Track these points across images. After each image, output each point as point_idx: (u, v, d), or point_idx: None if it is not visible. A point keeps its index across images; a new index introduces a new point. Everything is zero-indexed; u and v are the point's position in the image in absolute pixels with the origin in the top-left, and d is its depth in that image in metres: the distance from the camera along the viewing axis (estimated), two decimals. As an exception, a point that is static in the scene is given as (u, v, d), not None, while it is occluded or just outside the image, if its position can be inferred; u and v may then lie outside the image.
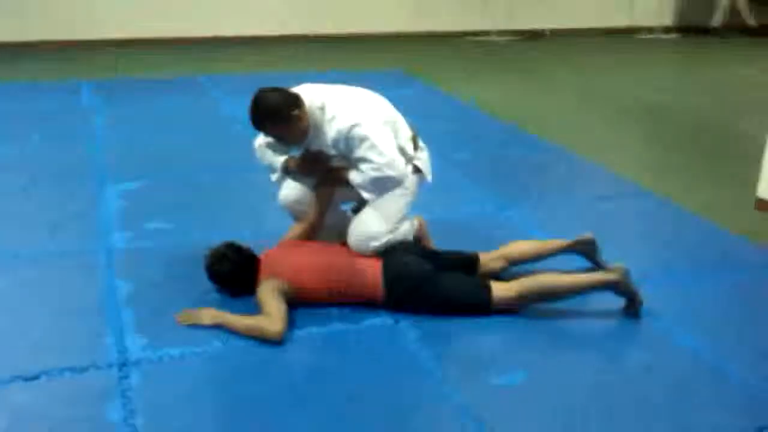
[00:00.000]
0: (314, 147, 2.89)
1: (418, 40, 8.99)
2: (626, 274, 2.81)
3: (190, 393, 2.35)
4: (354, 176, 2.84)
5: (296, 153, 3.01)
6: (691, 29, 10.23)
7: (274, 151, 3.00)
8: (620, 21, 10.01)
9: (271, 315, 2.63)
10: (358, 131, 2.74)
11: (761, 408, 2.35)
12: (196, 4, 8.25)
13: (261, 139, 3.03)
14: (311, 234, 3.03)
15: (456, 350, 2.64)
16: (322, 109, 2.81)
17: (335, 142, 2.79)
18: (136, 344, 2.57)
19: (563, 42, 9.32)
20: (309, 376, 2.47)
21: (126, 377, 2.40)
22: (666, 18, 10.22)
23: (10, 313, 2.78)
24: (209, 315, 2.71)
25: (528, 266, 3.08)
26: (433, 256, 2.94)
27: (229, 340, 2.61)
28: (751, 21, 10.42)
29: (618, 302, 2.84)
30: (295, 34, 8.66)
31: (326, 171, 2.95)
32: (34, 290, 2.95)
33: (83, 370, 2.43)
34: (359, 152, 2.76)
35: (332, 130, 2.78)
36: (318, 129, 2.83)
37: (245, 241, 2.99)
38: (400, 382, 2.45)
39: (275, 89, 2.81)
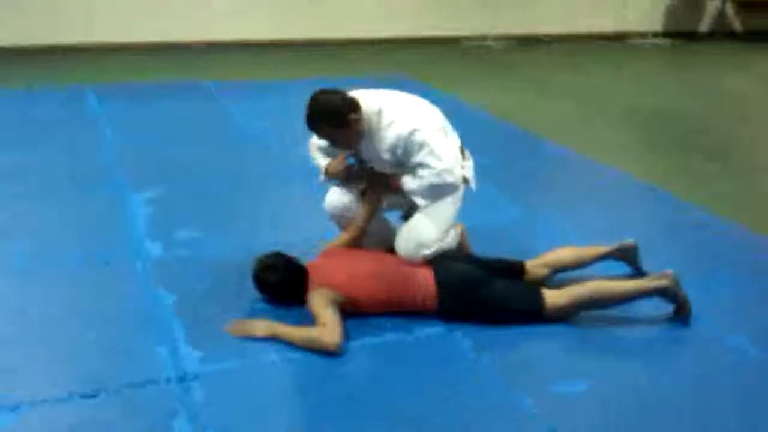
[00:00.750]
0: (368, 152, 2.86)
1: (416, 45, 8.98)
2: (676, 279, 2.81)
3: (255, 407, 2.30)
4: (408, 182, 2.81)
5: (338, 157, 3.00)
6: (680, 34, 10.36)
7: (325, 154, 2.96)
8: (612, 26, 10.09)
9: (328, 326, 2.59)
10: (418, 136, 2.71)
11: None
12: (191, 7, 8.16)
13: (314, 140, 3.00)
14: (358, 241, 3.00)
15: (513, 359, 2.63)
16: (379, 113, 2.78)
17: (393, 148, 2.77)
18: (191, 357, 2.52)
19: (558, 47, 9.38)
20: (371, 387, 2.44)
21: (188, 392, 2.34)
22: (656, 23, 10.32)
23: (55, 326, 2.71)
24: (262, 326, 2.66)
25: (572, 273, 3.07)
26: (483, 263, 2.92)
27: (284, 351, 2.57)
28: (738, 27, 10.59)
29: (666, 308, 2.85)
30: (294, 39, 8.61)
31: (374, 177, 2.92)
32: (75, 303, 2.88)
33: (142, 385, 2.37)
34: (418, 157, 2.74)
35: (391, 135, 2.75)
36: (374, 134, 2.80)
37: (279, 248, 2.95)
38: (464, 391, 2.42)
39: (335, 91, 2.77)
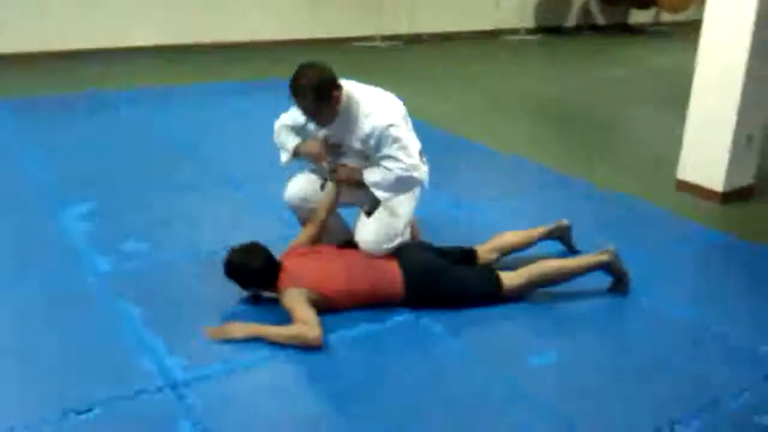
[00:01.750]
0: (340, 135, 2.95)
1: (305, 46, 9.03)
2: (616, 254, 3.08)
3: (254, 407, 2.36)
4: (371, 174, 2.93)
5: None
6: (549, 29, 10.98)
7: (295, 134, 3.06)
8: (487, 24, 10.55)
9: (308, 321, 2.66)
10: (393, 131, 2.84)
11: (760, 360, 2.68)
12: (75, 12, 7.84)
13: (283, 120, 3.08)
14: (321, 234, 3.08)
15: (484, 338, 2.80)
16: (357, 102, 2.89)
17: (367, 137, 2.87)
18: (176, 365, 2.52)
19: (441, 45, 9.72)
20: (358, 378, 2.53)
21: (183, 399, 2.36)
22: (528, 20, 10.89)
23: (27, 352, 2.61)
24: (240, 328, 2.70)
25: (520, 254, 3.29)
26: (440, 251, 3.07)
27: (267, 350, 2.62)
28: (600, 20, 11.36)
29: (605, 281, 3.11)
30: (181, 43, 8.44)
31: (339, 167, 3.02)
32: (40, 327, 2.77)
33: (135, 396, 2.36)
34: (389, 151, 2.86)
35: (368, 124, 2.85)
36: (351, 121, 2.89)
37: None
38: (448, 373, 2.57)
39: (321, 65, 2.86)
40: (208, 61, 7.92)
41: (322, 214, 3.08)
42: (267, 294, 2.92)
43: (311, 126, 3.03)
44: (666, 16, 11.75)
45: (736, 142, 4.10)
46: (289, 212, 3.31)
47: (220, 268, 3.01)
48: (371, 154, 2.92)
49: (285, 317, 2.75)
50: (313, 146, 3.03)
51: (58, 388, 2.39)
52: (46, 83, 6.76)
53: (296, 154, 3.10)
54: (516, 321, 2.91)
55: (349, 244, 3.26)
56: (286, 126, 3.12)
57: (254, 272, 2.84)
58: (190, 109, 6.03)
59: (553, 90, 7.25)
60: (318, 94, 2.79)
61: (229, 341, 2.67)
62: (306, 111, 2.88)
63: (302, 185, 3.13)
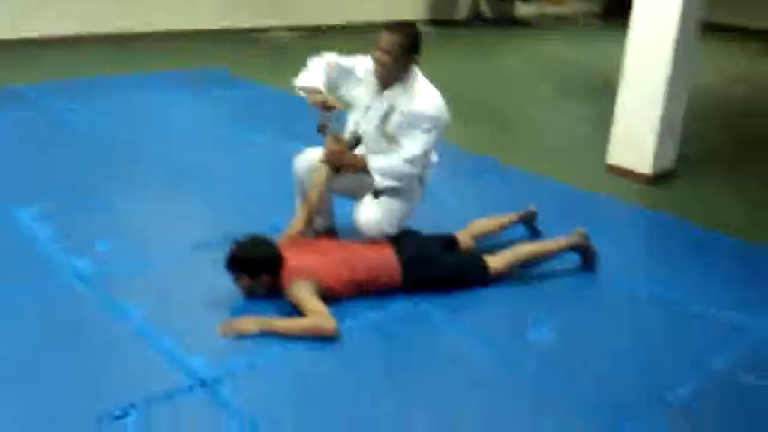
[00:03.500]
0: (388, 99, 3.06)
1: (211, 36, 8.85)
2: (587, 236, 3.33)
3: (286, 397, 2.41)
4: (375, 161, 3.06)
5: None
6: (441, 22, 11.30)
7: (332, 74, 3.14)
8: (378, 16, 10.68)
9: (320, 313, 2.72)
10: (429, 124, 3.02)
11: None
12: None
13: (336, 57, 3.17)
14: (311, 216, 3.15)
15: (481, 319, 2.96)
16: (417, 79, 3.06)
17: (411, 112, 3.00)
18: (198, 363, 2.51)
19: (339, 36, 9.78)
20: (376, 365, 2.64)
21: (216, 394, 2.36)
22: (420, 12, 11.15)
23: (39, 364, 2.50)
24: (253, 322, 2.72)
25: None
26: (428, 239, 3.21)
27: (283, 343, 2.66)
28: (488, 14, 11.83)
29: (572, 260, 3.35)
30: (88, 33, 8.05)
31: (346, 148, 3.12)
32: (45, 335, 2.66)
33: (168, 396, 2.34)
34: (413, 133, 3.01)
35: (418, 104, 3.00)
36: (408, 91, 3.03)
37: (213, 245, 3.12)
38: (457, 353, 2.71)
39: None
40: (106, 53, 7.60)
41: (313, 196, 3.12)
42: (258, 290, 2.93)
43: (361, 88, 3.12)
44: (549, 10, 12.37)
45: (660, 128, 4.46)
46: (254, 205, 3.47)
47: (204, 264, 3.06)
48: (400, 131, 3.03)
49: (283, 309, 2.81)
50: (318, 95, 3.07)
51: (84, 397, 2.33)
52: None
53: (303, 89, 3.12)
54: (507, 301, 3.09)
55: (331, 231, 3.35)
56: (336, 64, 3.17)
57: (264, 262, 2.86)
58: (112, 101, 5.80)
59: (456, 81, 7.49)
60: (410, 43, 2.97)
61: (242, 336, 2.68)
62: (386, 50, 2.96)
63: (309, 160, 3.21)
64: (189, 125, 5.35)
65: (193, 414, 2.28)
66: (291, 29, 9.58)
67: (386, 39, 2.97)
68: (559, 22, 12.29)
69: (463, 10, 11.81)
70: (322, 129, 3.10)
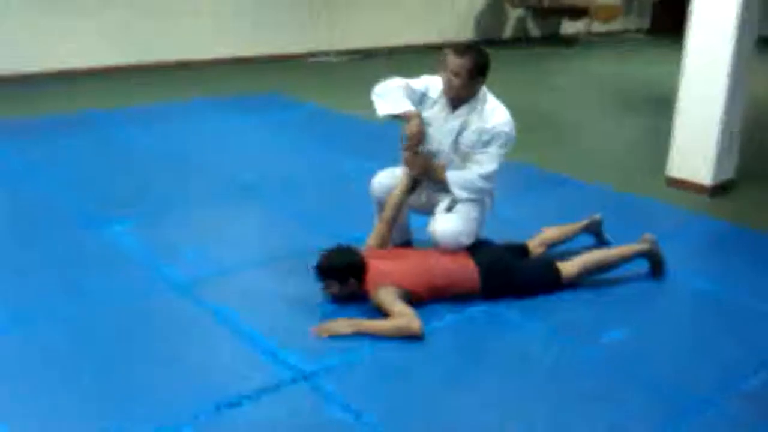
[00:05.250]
0: (467, 118, 3.23)
1: (257, 63, 9.17)
2: (656, 242, 3.45)
3: (387, 391, 2.58)
4: (453, 174, 3.24)
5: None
6: (488, 42, 11.48)
7: (405, 93, 3.25)
8: (430, 39, 10.95)
9: (407, 315, 2.90)
10: (502, 141, 3.22)
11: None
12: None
13: (406, 80, 3.29)
14: (390, 230, 3.34)
15: (556, 321, 3.10)
16: (486, 97, 3.26)
17: (486, 131, 3.19)
18: (297, 359, 2.71)
19: (393, 58, 10.04)
20: (462, 357, 2.81)
21: (320, 388, 2.55)
22: (469, 32, 11.37)
23: (151, 358, 2.75)
24: (346, 324, 2.91)
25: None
26: (503, 247, 3.37)
27: (375, 342, 2.84)
28: (534, 32, 11.99)
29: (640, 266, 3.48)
30: (141, 63, 8.44)
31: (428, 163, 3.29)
32: (150, 335, 2.92)
33: (275, 388, 2.54)
34: (490, 150, 3.20)
35: (492, 121, 3.20)
36: (478, 110, 3.22)
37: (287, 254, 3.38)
38: (534, 353, 2.87)
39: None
40: (161, 81, 7.96)
41: (389, 212, 3.31)
42: (339, 294, 3.12)
43: (436, 107, 3.27)
44: (596, 27, 12.48)
45: (721, 140, 4.57)
46: (322, 218, 3.74)
47: (285, 272, 3.32)
48: (474, 149, 3.21)
49: (369, 312, 2.99)
50: (417, 125, 3.21)
51: (196, 388, 2.54)
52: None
53: (397, 117, 3.23)
54: (579, 306, 3.22)
55: (408, 244, 3.54)
56: (408, 86, 3.28)
57: (352, 269, 3.05)
58: (177, 125, 6.12)
59: (510, 98, 7.64)
60: (480, 67, 3.15)
61: (335, 337, 2.87)
62: (456, 73, 3.12)
63: (387, 181, 3.39)
64: (252, 145, 5.65)
65: (302, 403, 2.48)
66: (340, 53, 9.86)
67: (455, 62, 3.14)
68: (606, 38, 12.38)
69: (509, 29, 11.99)
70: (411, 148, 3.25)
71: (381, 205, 3.42)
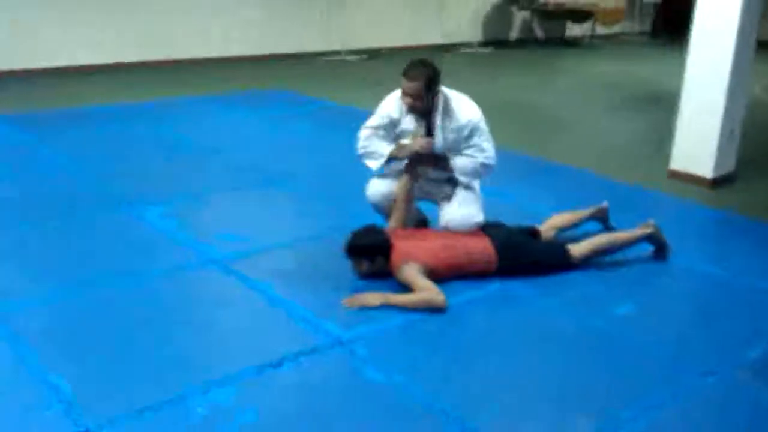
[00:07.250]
0: (439, 125, 3.45)
1: (272, 61, 9.43)
2: (658, 227, 3.70)
3: (416, 356, 2.81)
4: (458, 160, 3.49)
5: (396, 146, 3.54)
6: (496, 42, 11.75)
7: (386, 139, 3.49)
8: (434, 39, 11.19)
9: (431, 289, 3.15)
10: (482, 125, 3.44)
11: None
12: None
13: (370, 123, 3.51)
14: (404, 220, 3.58)
15: (570, 296, 3.34)
16: (448, 98, 3.45)
17: (463, 127, 3.43)
18: (333, 327, 2.95)
19: (402, 57, 10.27)
20: (484, 328, 3.06)
21: (354, 352, 2.79)
22: (477, 34, 11.63)
23: (201, 326, 3.00)
24: (376, 297, 3.16)
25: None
26: (517, 229, 3.62)
27: (404, 314, 3.08)
28: (540, 34, 12.24)
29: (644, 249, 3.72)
30: (140, 61, 8.71)
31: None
32: (193, 305, 3.18)
33: (313, 351, 2.78)
34: (479, 140, 3.45)
35: (464, 116, 3.42)
36: (447, 113, 3.43)
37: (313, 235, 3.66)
38: (550, 324, 3.10)
39: (431, 61, 3.39)
40: (183, 78, 8.25)
41: (400, 207, 3.55)
42: (368, 271, 3.36)
43: (406, 121, 3.49)
44: (599, 30, 12.74)
45: (722, 134, 4.81)
46: (340, 203, 3.99)
47: (314, 250, 3.59)
48: (459, 143, 3.45)
49: (395, 288, 3.23)
50: (426, 142, 3.46)
51: (243, 351, 2.78)
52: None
53: (390, 158, 3.51)
54: (589, 283, 3.46)
55: (423, 223, 3.79)
56: (376, 133, 3.52)
57: (380, 247, 3.29)
58: (201, 118, 6.41)
59: (518, 95, 7.92)
60: (429, 82, 3.32)
61: (365, 308, 3.11)
62: (413, 96, 3.34)
63: (380, 187, 3.62)
64: (274, 138, 5.92)
65: (339, 365, 2.72)
66: (352, 52, 10.11)
67: (410, 86, 3.35)
68: (609, 41, 12.64)
69: (515, 30, 12.25)
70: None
71: (379, 208, 3.66)
